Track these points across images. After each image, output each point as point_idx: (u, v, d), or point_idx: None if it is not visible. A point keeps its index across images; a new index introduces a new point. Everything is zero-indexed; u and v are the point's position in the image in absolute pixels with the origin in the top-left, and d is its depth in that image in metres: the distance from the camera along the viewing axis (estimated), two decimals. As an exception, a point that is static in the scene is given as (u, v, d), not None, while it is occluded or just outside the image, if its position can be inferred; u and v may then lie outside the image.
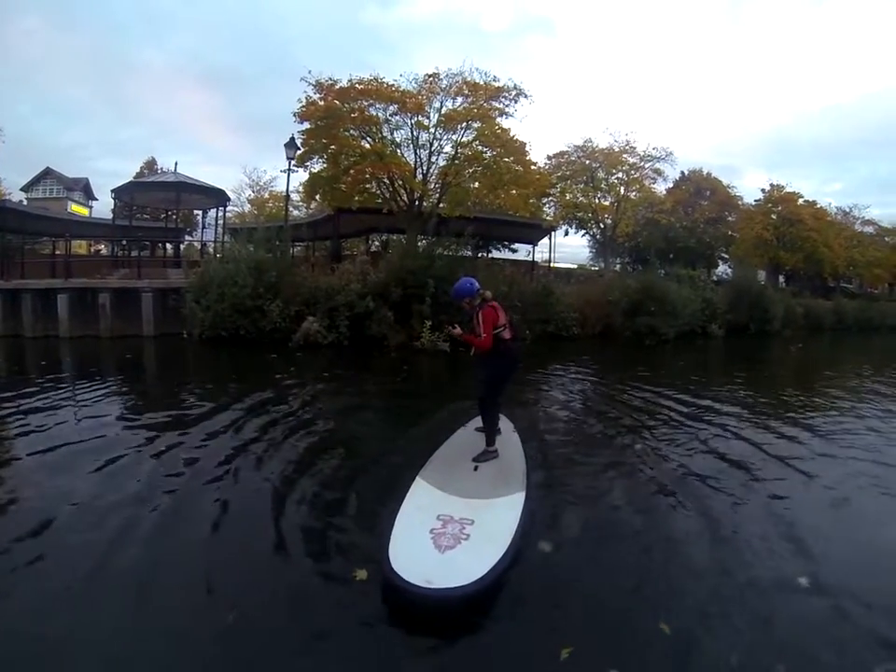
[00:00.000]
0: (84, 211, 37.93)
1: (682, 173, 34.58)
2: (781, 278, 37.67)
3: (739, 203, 37.12)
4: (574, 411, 7.67)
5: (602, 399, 8.55)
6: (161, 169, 33.84)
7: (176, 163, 21.88)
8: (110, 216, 22.58)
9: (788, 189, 35.66)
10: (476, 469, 4.39)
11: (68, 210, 33.91)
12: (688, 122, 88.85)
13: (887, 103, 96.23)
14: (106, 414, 6.32)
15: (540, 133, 33.29)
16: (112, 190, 20.21)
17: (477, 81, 17.12)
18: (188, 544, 3.42)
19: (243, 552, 3.36)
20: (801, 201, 35.75)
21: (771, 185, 36.12)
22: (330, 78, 16.63)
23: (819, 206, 37.11)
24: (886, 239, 41.88)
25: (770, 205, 35.46)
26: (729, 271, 36.89)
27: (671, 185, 32.30)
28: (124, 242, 21.86)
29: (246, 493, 4.22)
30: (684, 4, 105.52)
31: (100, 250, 29.27)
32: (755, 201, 36.68)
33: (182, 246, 25.57)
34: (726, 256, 37.24)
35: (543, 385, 9.57)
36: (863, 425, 7.28)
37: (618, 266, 29.29)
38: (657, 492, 4.58)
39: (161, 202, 22.53)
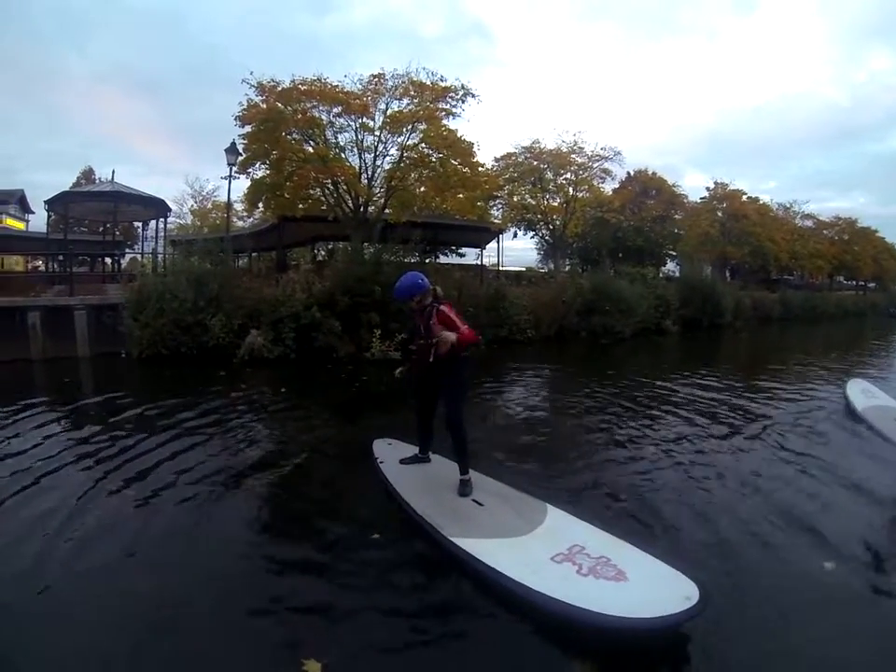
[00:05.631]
0: (20, 225, 35.90)
1: (628, 173, 35.11)
2: (727, 272, 38.69)
3: (685, 201, 37.91)
4: (538, 416, 7.61)
5: (564, 402, 8.51)
6: (99, 179, 32.43)
7: (114, 172, 20.60)
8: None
9: (732, 187, 36.74)
10: (482, 504, 3.86)
11: (2, 224, 32.20)
12: (627, 124, 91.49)
13: (811, 102, 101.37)
14: (36, 449, 5.49)
15: (487, 135, 33.57)
16: (45, 202, 18.91)
17: (424, 81, 16.81)
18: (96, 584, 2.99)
19: (156, 620, 2.73)
20: (744, 197, 36.87)
21: (716, 183, 37.25)
22: (272, 80, 16.08)
23: (762, 202, 38.44)
24: (824, 232, 43.81)
25: (715, 202, 36.47)
26: (676, 268, 37.69)
27: (618, 185, 32.70)
28: (60, 257, 20.77)
29: (178, 539, 3.64)
30: (619, 12, 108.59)
31: (38, 266, 27.86)
32: (701, 198, 37.68)
33: (124, 260, 24.48)
34: (674, 253, 37.95)
35: (504, 391, 9.44)
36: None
37: (567, 267, 29.47)
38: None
39: (97, 213, 21.34)
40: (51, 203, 19.00)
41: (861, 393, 8.01)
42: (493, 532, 3.46)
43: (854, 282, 52.54)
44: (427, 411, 4.51)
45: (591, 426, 6.88)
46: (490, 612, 2.88)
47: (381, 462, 4.71)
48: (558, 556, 3.12)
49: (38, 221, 30.58)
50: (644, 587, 2.81)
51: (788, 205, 42.87)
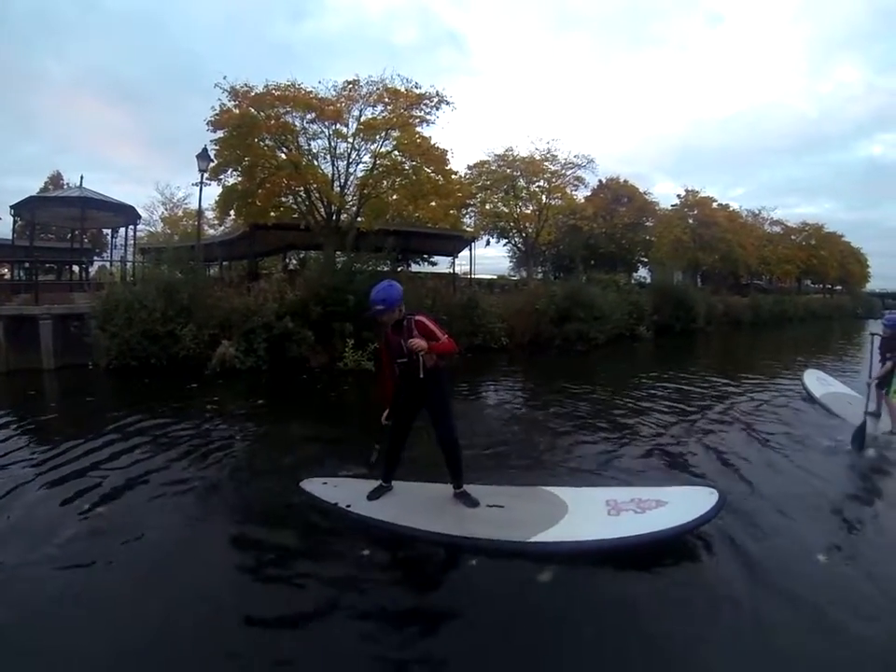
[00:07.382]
0: (-16, 231, 34.96)
1: (600, 181, 35.31)
2: (698, 278, 39.27)
3: (656, 208, 38.36)
4: (514, 417, 7.98)
5: (540, 404, 8.82)
6: (67, 184, 31.57)
7: (82, 177, 19.93)
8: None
9: (702, 194, 37.31)
10: (502, 506, 3.88)
11: (-36, 230, 31.27)
12: (597, 132, 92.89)
13: (780, 112, 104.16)
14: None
15: (460, 143, 33.44)
16: (11, 207, 18.41)
17: (398, 88, 16.75)
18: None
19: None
20: (714, 204, 37.46)
21: (686, 190, 37.69)
22: (246, 84, 15.88)
23: (731, 209, 39.16)
24: (792, 237, 44.86)
25: (686, 210, 36.92)
26: (648, 274, 38.09)
27: (590, 192, 33.00)
28: (26, 264, 20.22)
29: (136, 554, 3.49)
30: (592, 23, 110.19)
31: (2, 274, 27.07)
32: (672, 206, 38.10)
33: (92, 269, 23.83)
34: (646, 259, 38.36)
35: (478, 398, 9.53)
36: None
37: (540, 274, 29.59)
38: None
39: (65, 219, 20.77)
40: (18, 209, 18.47)
41: (816, 381, 9.10)
42: (544, 521, 3.63)
43: (821, 285, 53.83)
44: (404, 435, 4.19)
45: (568, 421, 7.42)
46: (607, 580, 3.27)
47: (348, 507, 4.11)
48: (612, 511, 3.65)
49: (4, 227, 29.82)
50: (681, 502, 3.62)
51: (756, 212, 43.82)
